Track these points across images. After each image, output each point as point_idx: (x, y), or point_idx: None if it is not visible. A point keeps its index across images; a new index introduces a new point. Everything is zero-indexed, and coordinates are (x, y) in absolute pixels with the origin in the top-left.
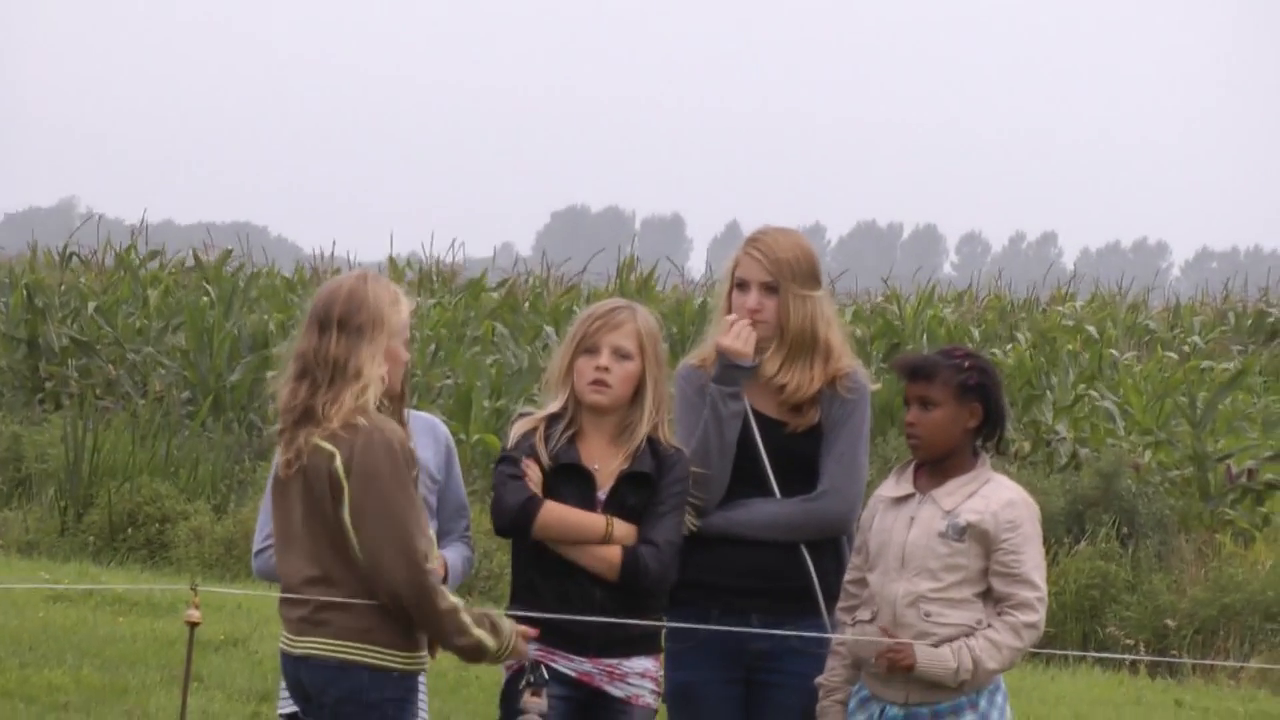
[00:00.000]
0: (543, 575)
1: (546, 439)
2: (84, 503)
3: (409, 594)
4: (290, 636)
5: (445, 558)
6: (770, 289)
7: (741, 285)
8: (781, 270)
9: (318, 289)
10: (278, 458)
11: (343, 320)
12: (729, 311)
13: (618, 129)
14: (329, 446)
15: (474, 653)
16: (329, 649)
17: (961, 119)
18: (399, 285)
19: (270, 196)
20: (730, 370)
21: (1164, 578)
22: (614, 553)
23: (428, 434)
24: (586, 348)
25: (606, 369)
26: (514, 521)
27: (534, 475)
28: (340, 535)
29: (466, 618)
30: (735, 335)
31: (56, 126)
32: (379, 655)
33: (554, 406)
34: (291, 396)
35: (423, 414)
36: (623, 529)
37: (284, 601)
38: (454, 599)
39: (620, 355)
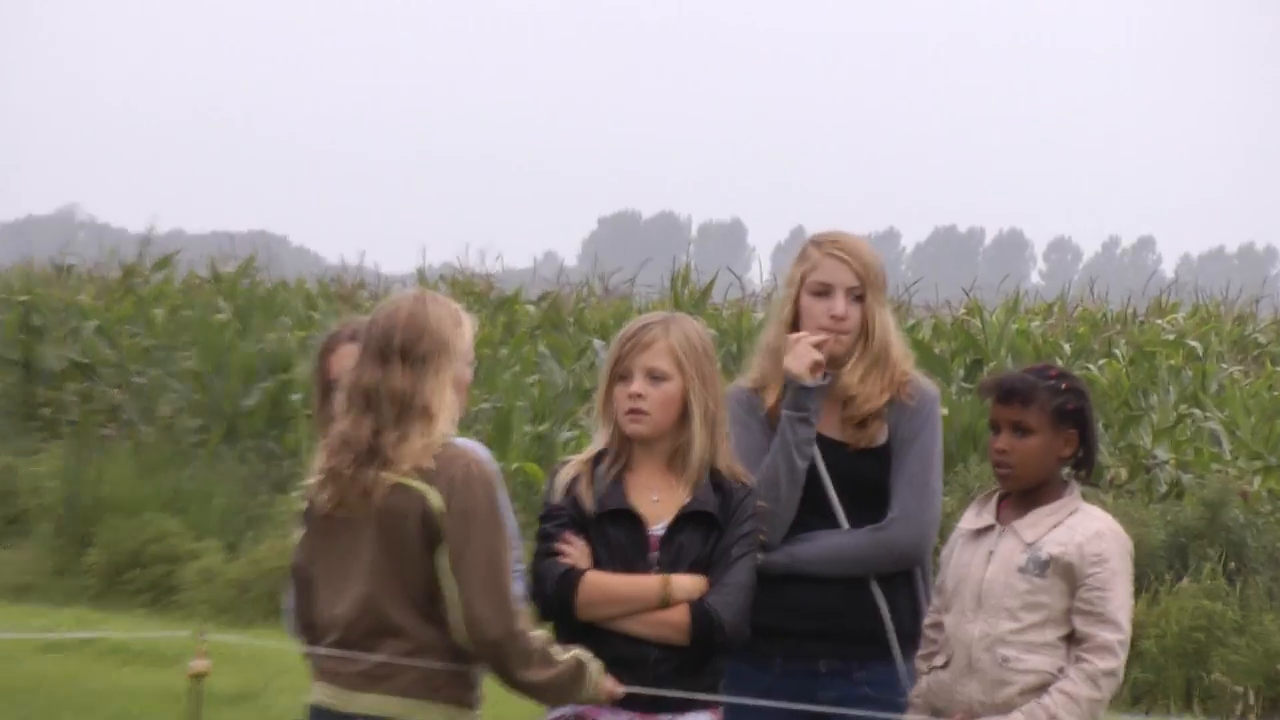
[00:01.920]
0: (593, 641)
1: (594, 480)
2: (83, 541)
3: (504, 640)
4: (340, 691)
5: None
6: (857, 296)
7: (823, 291)
8: (868, 276)
9: (373, 313)
10: (320, 494)
11: (405, 350)
12: (795, 320)
13: (672, 128)
14: (419, 486)
15: (559, 687)
16: (394, 708)
17: (1048, 116)
18: (458, 304)
19: (290, 203)
20: (799, 393)
21: (1276, 618)
22: (679, 615)
23: None
24: (620, 374)
25: (640, 395)
26: (554, 603)
27: (574, 550)
28: (424, 583)
29: (555, 649)
30: (797, 356)
31: (54, 128)
32: (447, 713)
33: (598, 444)
34: (354, 428)
35: (465, 441)
36: (683, 585)
37: (330, 650)
38: (542, 633)
39: (655, 377)
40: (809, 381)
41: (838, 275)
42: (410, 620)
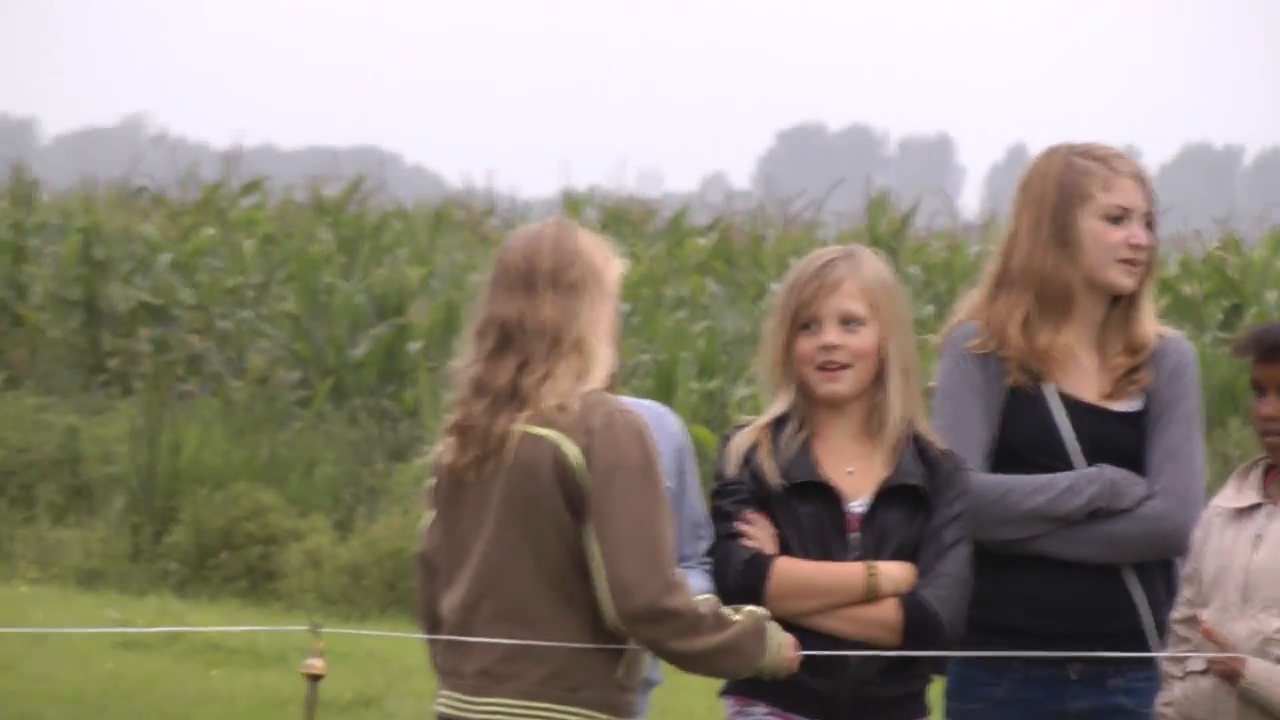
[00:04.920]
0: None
1: (775, 451)
2: (163, 518)
3: (658, 609)
4: (460, 697)
5: None
6: (1147, 224)
7: (1119, 216)
8: (1154, 202)
9: (504, 242)
10: (452, 456)
11: (554, 276)
12: (1085, 251)
13: (864, 27)
14: (553, 435)
15: (737, 651)
16: (523, 713)
17: None
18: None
19: (403, 114)
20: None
21: None
22: (889, 611)
23: (655, 429)
24: (803, 323)
25: (835, 345)
26: (738, 594)
27: (759, 531)
28: (561, 555)
29: (727, 609)
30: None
31: (120, 29)
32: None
33: (778, 408)
34: (490, 374)
35: (648, 403)
36: (891, 574)
37: (448, 647)
38: (709, 596)
39: (849, 323)
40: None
41: (1135, 198)
42: (541, 603)
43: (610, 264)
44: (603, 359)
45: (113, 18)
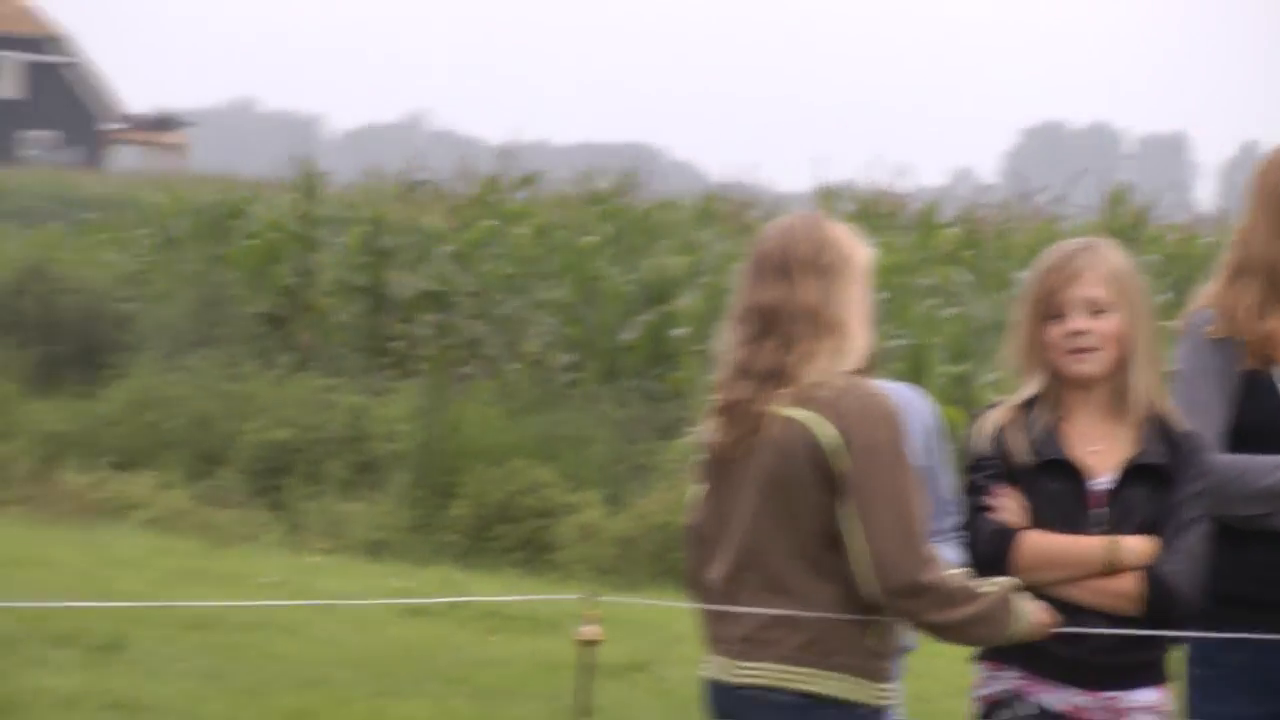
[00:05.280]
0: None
1: (1025, 430)
2: (444, 492)
3: (917, 585)
4: (727, 661)
5: None
6: None
7: None
8: None
9: (758, 235)
10: (716, 435)
11: (809, 261)
12: None
13: (1105, 32)
14: (808, 417)
15: (989, 620)
16: (783, 678)
17: None
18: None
19: (670, 112)
20: None
21: None
22: (1130, 583)
23: (906, 410)
24: (1051, 313)
25: (1083, 331)
26: (987, 563)
27: (1009, 504)
28: (816, 532)
29: (976, 581)
30: None
31: (400, 31)
32: (847, 686)
33: (1029, 390)
34: (753, 357)
35: (900, 385)
36: (1132, 548)
37: (714, 615)
38: (960, 571)
39: (1094, 309)
40: None
41: None
42: (797, 576)
43: (859, 250)
44: (859, 339)
45: (393, 19)
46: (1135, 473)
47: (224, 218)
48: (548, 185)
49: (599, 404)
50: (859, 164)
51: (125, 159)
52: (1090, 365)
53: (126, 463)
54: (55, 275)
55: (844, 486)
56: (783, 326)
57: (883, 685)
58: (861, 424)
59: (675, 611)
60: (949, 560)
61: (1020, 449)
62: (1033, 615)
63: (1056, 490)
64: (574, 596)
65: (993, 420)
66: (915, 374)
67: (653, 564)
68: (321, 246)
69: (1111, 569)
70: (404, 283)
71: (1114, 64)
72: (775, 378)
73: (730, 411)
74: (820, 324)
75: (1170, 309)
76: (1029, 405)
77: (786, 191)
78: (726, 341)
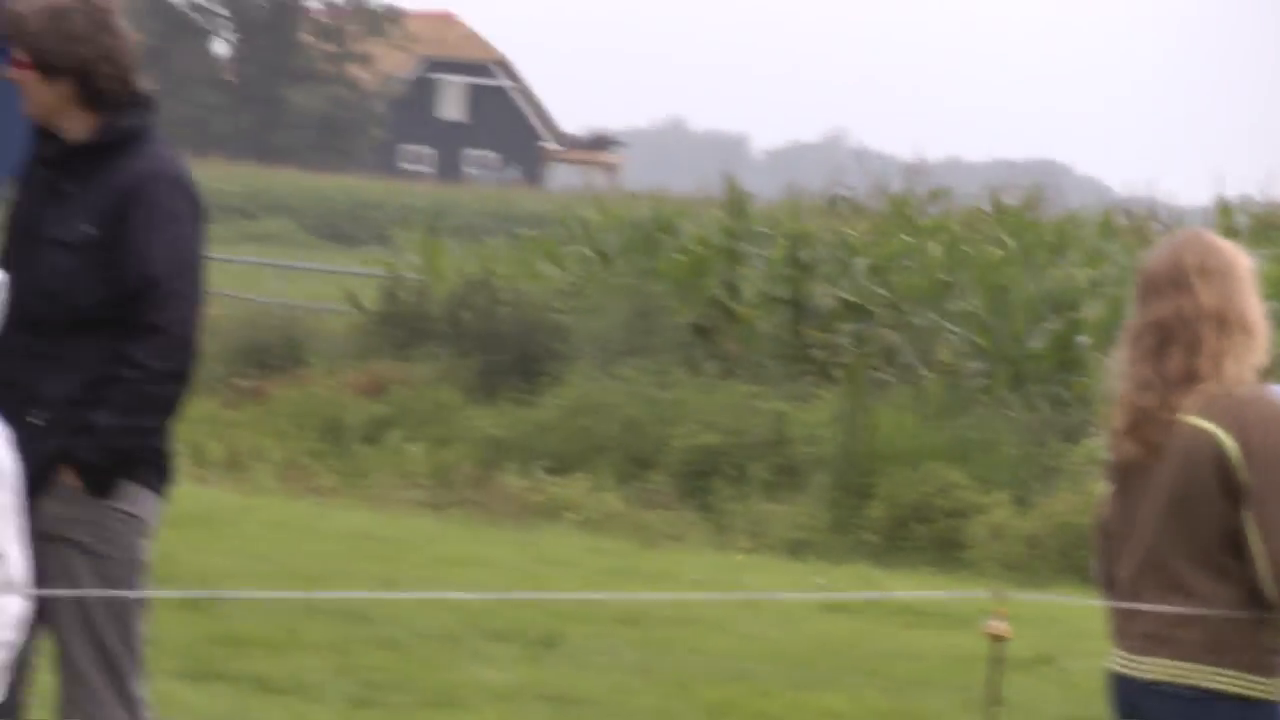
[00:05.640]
0: None
1: None
2: (861, 494)
3: None
4: (1128, 656)
5: None
6: None
7: None
8: None
9: (1143, 261)
10: (1125, 442)
11: (1199, 268)
12: None
13: None
14: (1212, 427)
15: None
16: (1183, 673)
17: None
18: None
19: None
20: None
21: None
22: None
23: None
24: None
25: None
26: None
27: None
28: (1218, 536)
29: None
30: None
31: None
32: (1245, 683)
33: None
34: (1157, 368)
35: None
36: None
37: (1121, 612)
38: None
39: None
40: None
41: None
42: (1198, 577)
43: (1241, 256)
44: (1262, 336)
45: (815, 41)
46: None
47: (654, 233)
48: (959, 200)
49: (1007, 409)
50: (1259, 179)
51: (562, 177)
52: None
53: (561, 467)
54: (496, 288)
55: (1246, 494)
56: (1187, 332)
57: (1274, 680)
58: (1263, 437)
59: (1080, 607)
60: None
61: None
62: None
63: None
64: (984, 593)
65: None
66: None
67: (1059, 562)
68: (747, 260)
69: None
70: (824, 294)
71: None
72: (1183, 383)
73: (1139, 420)
74: (1224, 323)
75: None
76: None
77: (1186, 205)
78: (1122, 359)
